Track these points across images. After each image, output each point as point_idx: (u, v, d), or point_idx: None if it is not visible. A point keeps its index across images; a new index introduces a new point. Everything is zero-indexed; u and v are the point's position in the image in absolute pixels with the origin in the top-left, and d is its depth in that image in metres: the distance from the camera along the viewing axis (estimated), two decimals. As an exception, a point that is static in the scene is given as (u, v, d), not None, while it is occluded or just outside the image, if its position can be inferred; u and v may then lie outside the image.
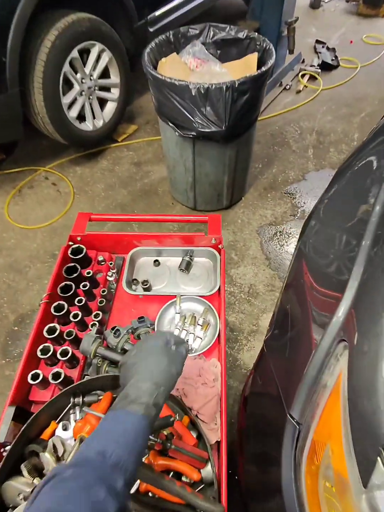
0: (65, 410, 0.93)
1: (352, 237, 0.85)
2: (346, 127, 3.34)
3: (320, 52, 4.13)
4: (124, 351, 1.00)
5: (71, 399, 0.92)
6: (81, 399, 0.92)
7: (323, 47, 4.25)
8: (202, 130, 1.98)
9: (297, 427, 0.75)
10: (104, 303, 1.12)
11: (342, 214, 1.00)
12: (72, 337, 1.01)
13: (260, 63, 2.17)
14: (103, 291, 1.14)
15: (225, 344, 1.01)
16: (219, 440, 0.85)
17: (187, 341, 0.90)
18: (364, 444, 0.57)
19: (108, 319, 1.15)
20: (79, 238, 1.22)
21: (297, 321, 0.95)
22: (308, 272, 0.99)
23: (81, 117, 2.77)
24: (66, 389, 0.92)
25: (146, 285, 1.17)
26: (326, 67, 3.93)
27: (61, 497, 0.50)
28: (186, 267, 1.22)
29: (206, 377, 0.92)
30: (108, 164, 3.04)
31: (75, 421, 0.92)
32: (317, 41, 4.34)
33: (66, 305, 1.05)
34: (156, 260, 1.25)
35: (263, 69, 1.92)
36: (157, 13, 2.87)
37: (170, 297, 1.14)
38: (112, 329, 1.02)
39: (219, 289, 1.14)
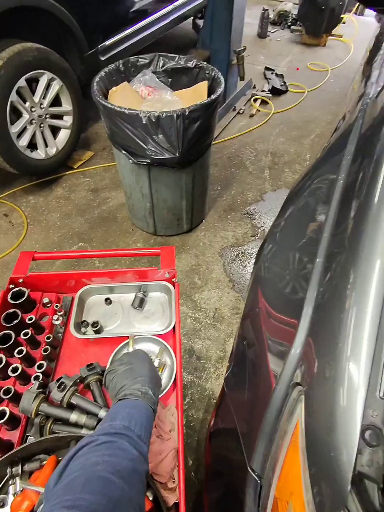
0: (2, 483, 0.82)
1: (306, 256, 0.83)
2: (298, 148, 3.48)
3: (269, 78, 4.34)
4: (71, 406, 0.90)
5: (9, 469, 0.81)
6: (20, 468, 0.81)
7: (272, 73, 4.46)
8: (156, 157, 1.96)
9: (259, 481, 0.69)
10: (49, 351, 1.02)
11: (296, 236, 0.99)
12: (11, 394, 0.90)
13: (210, 90, 2.21)
14: (48, 337, 1.04)
15: (181, 388, 0.94)
16: (177, 501, 0.77)
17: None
18: (325, 506, 0.52)
19: (55, 368, 1.05)
20: (21, 280, 1.13)
21: (254, 356, 0.91)
22: (264, 299, 0.96)
23: (33, 145, 2.68)
24: (2, 458, 0.80)
25: (96, 326, 1.09)
26: (276, 92, 4.12)
27: (102, 453, 0.56)
28: (140, 304, 1.16)
29: (162, 428, 0.84)
30: (64, 192, 2.94)
31: (13, 495, 0.80)
32: (266, 68, 4.56)
33: (4, 358, 0.95)
34: (107, 299, 1.18)
35: (213, 96, 1.95)
36: (108, 42, 2.89)
37: (123, 338, 1.07)
38: (57, 381, 0.93)
39: (174, 326, 1.08)
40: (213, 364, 2.07)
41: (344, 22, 5.33)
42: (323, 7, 4.40)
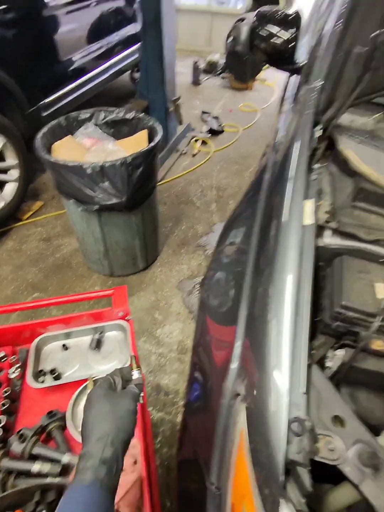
0: None
1: (239, 278, 0.94)
2: (240, 181, 3.77)
3: (206, 121, 4.72)
4: (33, 457, 0.91)
5: (-29, 535, 0.79)
6: (-16, 531, 0.80)
7: (208, 116, 4.86)
8: (104, 203, 2.06)
9: (218, 492, 0.74)
10: (8, 404, 1.02)
11: (230, 261, 1.11)
12: (-31, 456, 0.89)
13: (150, 138, 2.39)
14: (6, 391, 1.04)
15: (147, 420, 0.98)
16: (146, 532, 0.79)
17: (140, 370, 0.84)
18: (270, 498, 0.59)
19: (15, 422, 1.04)
20: (-28, 338, 1.13)
21: (206, 377, 0.99)
22: (210, 323, 1.06)
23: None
24: (-37, 523, 0.78)
25: (54, 373, 1.11)
26: (214, 132, 4.49)
27: None
28: (97, 345, 1.20)
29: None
30: (15, 244, 2.92)
31: None
32: (203, 112, 4.97)
33: None
34: (64, 345, 1.21)
35: (152, 144, 2.12)
36: (48, 99, 3.04)
37: (82, 382, 1.09)
38: (18, 433, 0.93)
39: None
40: (182, 397, 2.09)
41: (266, 68, 6.00)
42: (245, 58, 4.95)
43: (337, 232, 0.92)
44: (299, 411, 0.64)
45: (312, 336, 0.84)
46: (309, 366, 0.78)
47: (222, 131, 4.57)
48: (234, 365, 0.77)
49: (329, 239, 0.94)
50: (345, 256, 0.90)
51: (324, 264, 0.94)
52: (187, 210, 3.37)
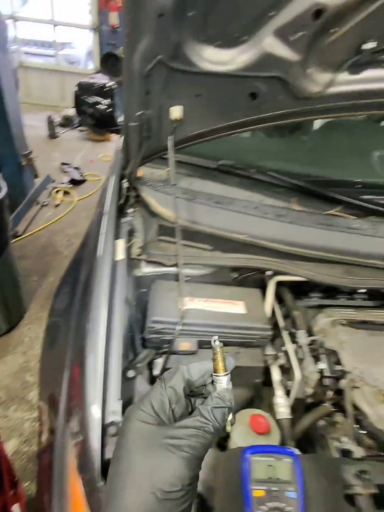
0: None
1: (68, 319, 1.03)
2: (106, 226, 3.92)
3: (67, 171, 4.81)
4: None
5: None
6: None
7: (69, 167, 4.96)
8: None
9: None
10: None
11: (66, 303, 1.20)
12: None
13: (-4, 194, 2.34)
14: None
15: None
16: None
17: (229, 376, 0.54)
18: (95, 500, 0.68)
19: None
20: None
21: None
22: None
23: None
24: None
25: None
26: (76, 182, 4.59)
27: None
28: None
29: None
30: None
31: None
32: (63, 163, 5.05)
33: None
34: None
35: (-4, 201, 2.09)
36: None
37: None
38: None
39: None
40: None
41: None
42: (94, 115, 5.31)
43: (149, 262, 1.12)
44: (115, 416, 0.75)
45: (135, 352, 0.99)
46: (133, 378, 0.92)
47: (84, 180, 4.72)
48: (63, 403, 0.84)
49: (145, 269, 1.14)
50: (157, 280, 1.10)
51: (146, 290, 1.12)
52: (54, 261, 3.31)
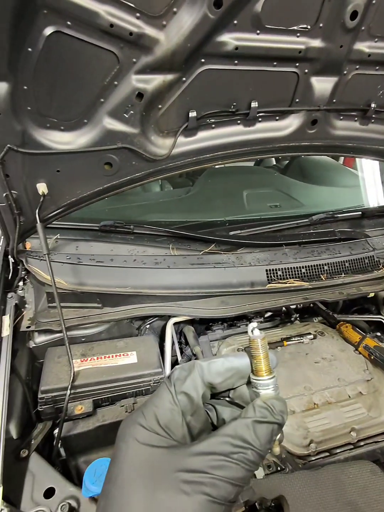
0: None
1: None
2: None
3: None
4: None
5: None
6: None
7: None
8: None
9: None
10: None
11: None
12: None
13: None
14: None
15: None
16: None
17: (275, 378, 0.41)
18: None
19: None
20: None
21: None
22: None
23: None
24: None
25: None
26: None
27: None
28: None
29: None
30: None
31: None
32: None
33: None
34: None
35: None
36: None
37: None
38: None
39: None
40: None
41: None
42: None
43: (41, 331, 1.13)
44: (-5, 506, 0.72)
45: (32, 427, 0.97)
46: (26, 457, 0.89)
47: None
48: None
49: (37, 339, 1.14)
50: (49, 347, 1.10)
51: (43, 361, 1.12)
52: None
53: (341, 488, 0.74)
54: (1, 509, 0.72)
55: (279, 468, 0.95)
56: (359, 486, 0.73)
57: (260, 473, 0.94)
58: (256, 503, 0.82)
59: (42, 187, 1.08)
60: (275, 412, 0.34)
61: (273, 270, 1.25)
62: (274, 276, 1.23)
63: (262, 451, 0.32)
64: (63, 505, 0.76)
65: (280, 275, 1.24)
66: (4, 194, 1.06)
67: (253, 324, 0.41)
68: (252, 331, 0.40)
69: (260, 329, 0.41)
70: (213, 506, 0.29)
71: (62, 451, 0.96)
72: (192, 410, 0.35)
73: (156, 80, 0.98)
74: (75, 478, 0.96)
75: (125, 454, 0.32)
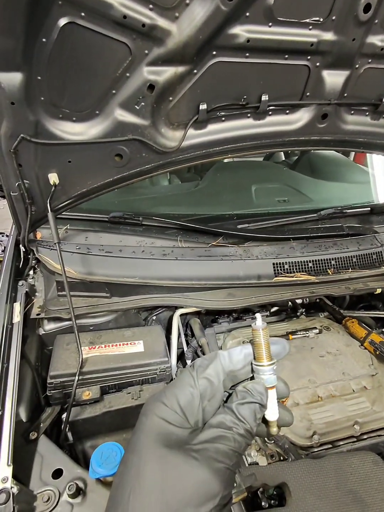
0: None
1: None
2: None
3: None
4: None
5: None
6: None
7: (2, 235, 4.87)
8: None
9: None
10: None
11: None
12: None
13: None
14: None
15: None
16: None
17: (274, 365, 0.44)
18: None
19: None
20: None
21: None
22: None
23: None
24: None
25: None
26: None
27: None
28: None
29: None
30: None
31: None
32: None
33: None
34: None
35: None
36: None
37: None
38: None
39: None
40: None
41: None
42: None
43: (50, 319, 1.16)
44: (5, 484, 0.75)
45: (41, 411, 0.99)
46: (35, 440, 0.91)
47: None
48: None
49: (47, 326, 1.16)
50: (58, 335, 1.13)
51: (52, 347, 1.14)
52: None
53: (342, 477, 0.75)
54: (11, 487, 0.74)
55: (282, 458, 0.97)
56: (361, 476, 0.74)
57: (263, 461, 0.95)
58: (258, 490, 0.84)
59: (53, 177, 1.10)
60: (254, 394, 0.40)
61: (280, 263, 1.26)
62: (281, 269, 1.24)
63: (249, 427, 0.38)
64: (70, 485, 0.78)
65: (287, 269, 1.24)
66: (17, 184, 1.08)
67: (258, 315, 0.46)
68: (255, 322, 0.44)
69: (264, 322, 0.45)
70: (220, 471, 0.34)
71: (69, 435, 0.98)
72: (210, 395, 0.40)
73: (167, 72, 0.99)
74: (82, 461, 0.99)
75: (144, 425, 0.38)
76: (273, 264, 1.27)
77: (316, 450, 0.99)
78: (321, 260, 1.31)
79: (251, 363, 0.43)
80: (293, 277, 1.22)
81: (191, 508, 0.32)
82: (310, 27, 1.00)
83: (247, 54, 1.02)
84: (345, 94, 1.20)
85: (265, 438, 0.99)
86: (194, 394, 0.39)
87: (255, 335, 0.43)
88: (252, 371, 0.43)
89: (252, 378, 0.44)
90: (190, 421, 0.38)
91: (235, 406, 0.39)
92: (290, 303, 1.45)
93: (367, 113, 1.30)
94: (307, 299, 1.40)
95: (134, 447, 0.36)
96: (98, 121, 1.04)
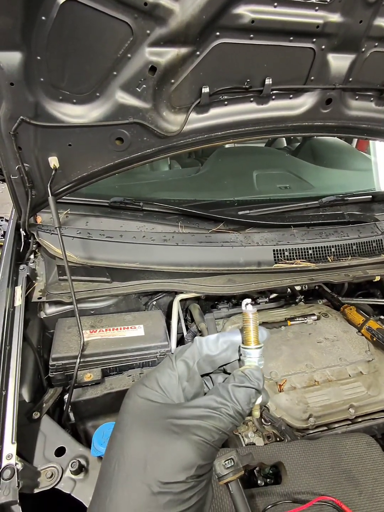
0: None
1: None
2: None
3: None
4: None
5: None
6: None
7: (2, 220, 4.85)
8: None
9: None
10: None
11: None
12: None
13: None
14: None
15: None
16: None
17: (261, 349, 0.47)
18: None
19: None
20: None
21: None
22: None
23: None
24: None
25: None
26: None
27: None
28: None
29: None
30: None
31: None
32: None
33: None
34: None
35: None
36: None
37: None
38: None
39: None
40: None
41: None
42: None
43: (52, 303, 1.17)
44: (10, 460, 0.77)
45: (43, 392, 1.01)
46: (38, 419, 0.93)
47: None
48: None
49: (48, 310, 1.17)
50: (60, 318, 1.14)
51: (53, 331, 1.16)
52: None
53: (337, 457, 0.77)
54: (16, 464, 0.76)
55: (278, 439, 0.99)
56: (355, 456, 0.77)
57: (260, 442, 0.98)
58: (255, 469, 0.87)
59: (53, 161, 1.09)
60: (251, 379, 0.42)
61: (280, 250, 1.26)
62: (281, 256, 1.24)
63: (242, 409, 0.39)
64: (73, 462, 0.81)
65: (287, 256, 1.25)
66: (17, 167, 1.07)
67: (247, 300, 0.47)
68: (246, 305, 0.46)
69: (255, 307, 0.48)
70: (200, 445, 0.36)
71: (71, 415, 1.01)
72: (188, 377, 0.43)
73: (169, 54, 0.97)
74: (83, 441, 1.02)
75: (127, 406, 0.41)
76: (274, 250, 1.27)
77: (311, 432, 1.02)
78: (321, 247, 1.32)
79: (239, 347, 0.45)
80: (293, 264, 1.22)
81: (168, 476, 0.35)
82: (317, 7, 0.98)
83: (251, 36, 1.00)
84: (350, 79, 1.18)
85: (262, 420, 1.02)
86: (172, 375, 0.42)
87: (245, 318, 0.45)
88: (239, 354, 0.46)
89: (239, 361, 0.46)
90: (171, 397, 0.41)
91: (231, 387, 0.40)
92: (289, 289, 1.47)
93: (371, 99, 1.28)
94: (306, 286, 1.41)
95: (118, 425, 0.41)
96: (98, 104, 1.02)
